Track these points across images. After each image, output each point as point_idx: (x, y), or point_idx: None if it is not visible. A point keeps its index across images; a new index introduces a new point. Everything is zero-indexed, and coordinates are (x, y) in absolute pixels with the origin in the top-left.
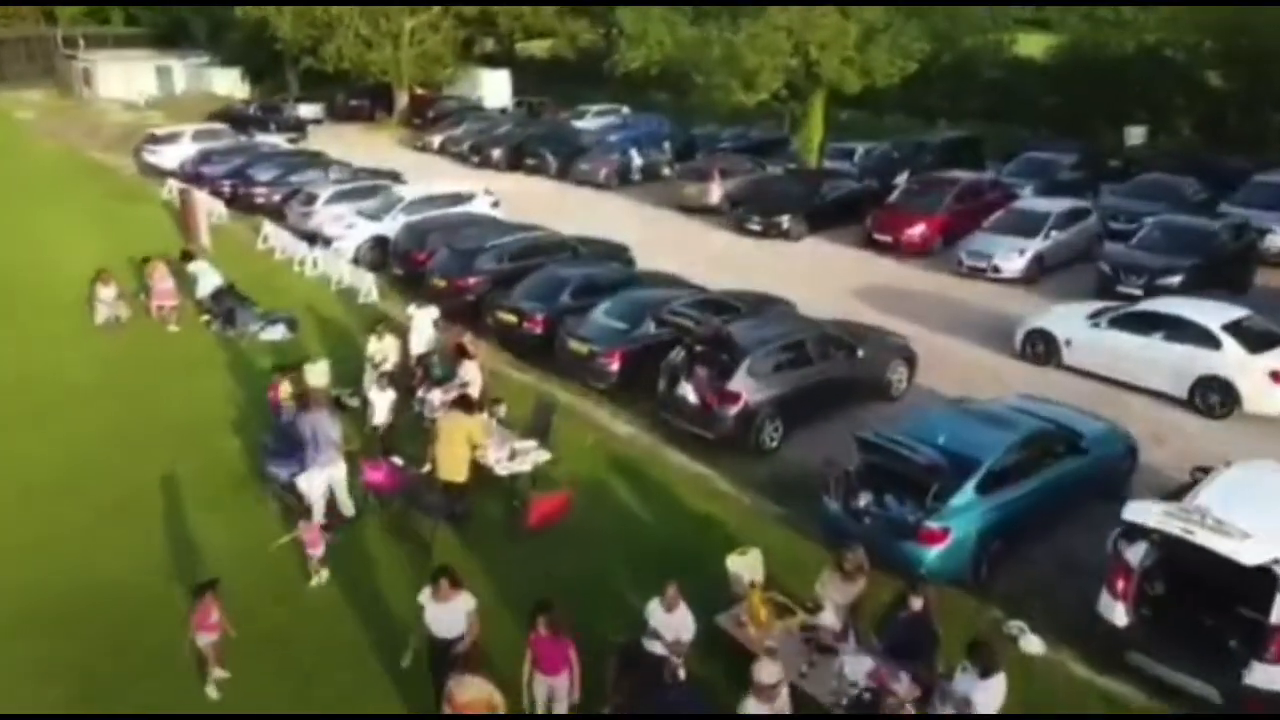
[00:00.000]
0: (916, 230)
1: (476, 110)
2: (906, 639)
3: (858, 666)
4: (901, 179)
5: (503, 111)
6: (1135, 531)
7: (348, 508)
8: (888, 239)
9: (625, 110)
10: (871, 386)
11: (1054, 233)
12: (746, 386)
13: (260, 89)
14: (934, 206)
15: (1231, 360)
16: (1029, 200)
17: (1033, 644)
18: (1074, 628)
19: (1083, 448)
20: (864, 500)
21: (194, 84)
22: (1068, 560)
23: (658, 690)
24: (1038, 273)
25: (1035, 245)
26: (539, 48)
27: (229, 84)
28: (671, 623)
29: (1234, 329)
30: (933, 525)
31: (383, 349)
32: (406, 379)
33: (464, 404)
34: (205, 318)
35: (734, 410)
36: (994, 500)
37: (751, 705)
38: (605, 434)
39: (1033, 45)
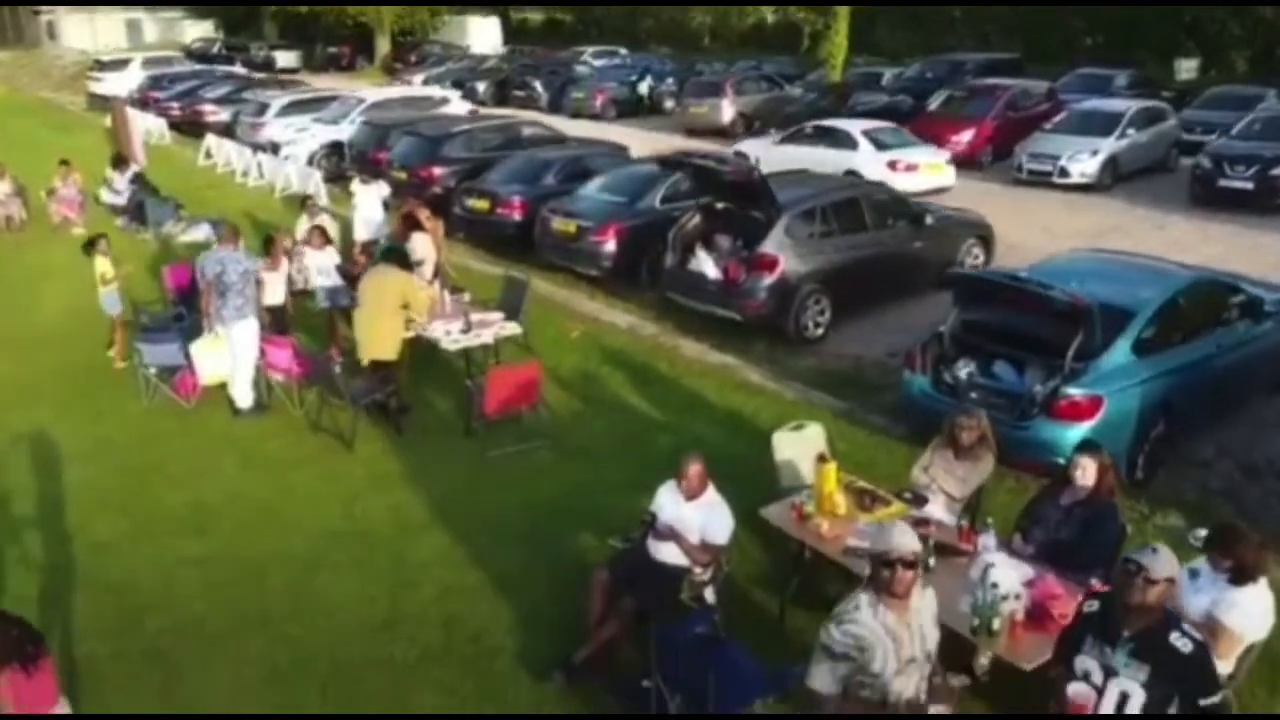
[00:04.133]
0: (963, 138)
1: (464, 55)
2: (1073, 537)
3: (1010, 572)
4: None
5: None
6: None
7: (244, 396)
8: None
9: (624, 52)
10: (941, 268)
11: (1130, 132)
12: (784, 250)
13: (236, 41)
14: (983, 113)
15: (862, 156)
16: (1098, 100)
17: None
18: None
19: (1264, 311)
20: (964, 370)
21: (165, 36)
22: (1245, 460)
23: (672, 617)
24: (1111, 179)
25: (1109, 146)
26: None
27: (202, 36)
28: (694, 517)
29: (869, 134)
30: (1077, 393)
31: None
32: (349, 267)
33: (398, 258)
34: (118, 221)
35: (768, 280)
36: (1155, 365)
37: (865, 613)
38: (597, 326)
39: None
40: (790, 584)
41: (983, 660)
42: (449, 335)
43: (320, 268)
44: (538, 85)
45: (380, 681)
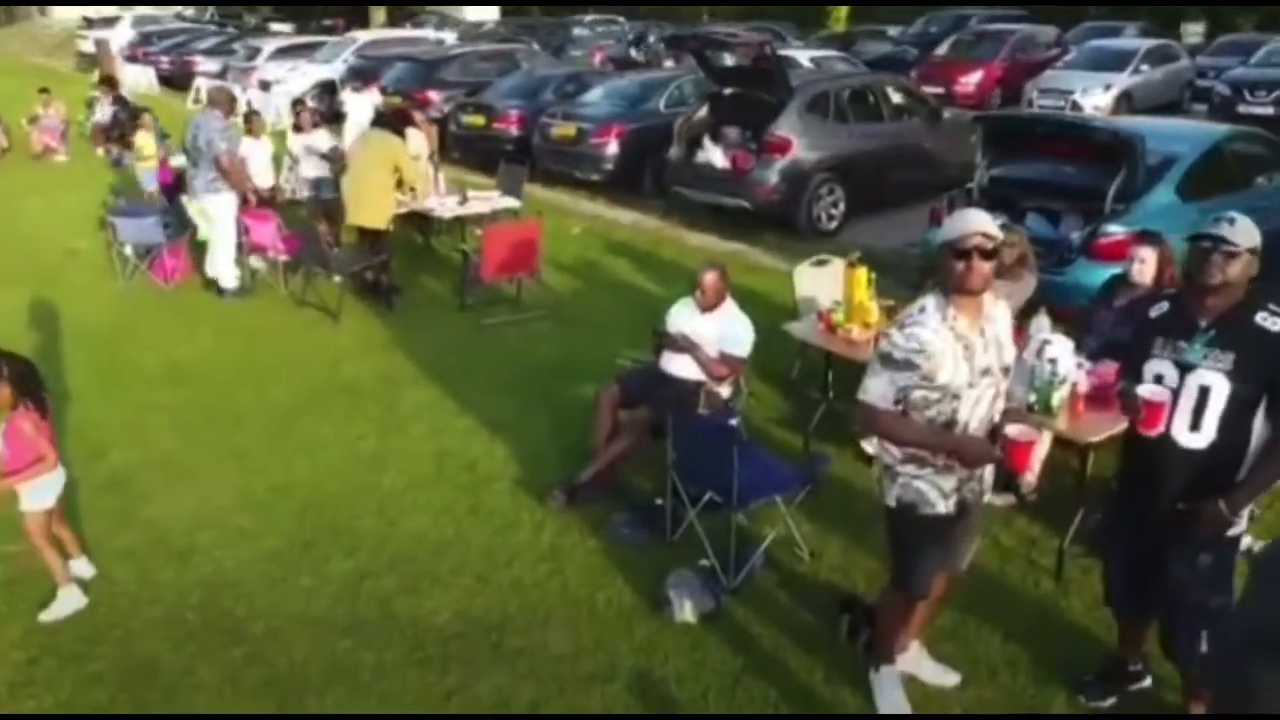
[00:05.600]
0: (971, 79)
1: (460, 22)
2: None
3: (1067, 353)
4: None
5: None
6: None
7: (227, 276)
8: (938, 90)
9: (622, 19)
10: (958, 168)
11: (1144, 68)
12: (797, 133)
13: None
14: (991, 55)
15: None
16: (1109, 39)
17: None
18: None
19: None
20: (996, 223)
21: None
22: None
23: (688, 419)
24: (1126, 114)
25: (1123, 80)
26: None
27: (194, 9)
28: (711, 329)
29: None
30: (1119, 231)
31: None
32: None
33: (394, 120)
34: (99, 150)
35: (780, 163)
36: (1200, 211)
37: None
38: (600, 222)
39: None
40: (814, 417)
41: (1029, 478)
42: (444, 206)
43: (309, 147)
44: (533, 44)
45: (365, 506)
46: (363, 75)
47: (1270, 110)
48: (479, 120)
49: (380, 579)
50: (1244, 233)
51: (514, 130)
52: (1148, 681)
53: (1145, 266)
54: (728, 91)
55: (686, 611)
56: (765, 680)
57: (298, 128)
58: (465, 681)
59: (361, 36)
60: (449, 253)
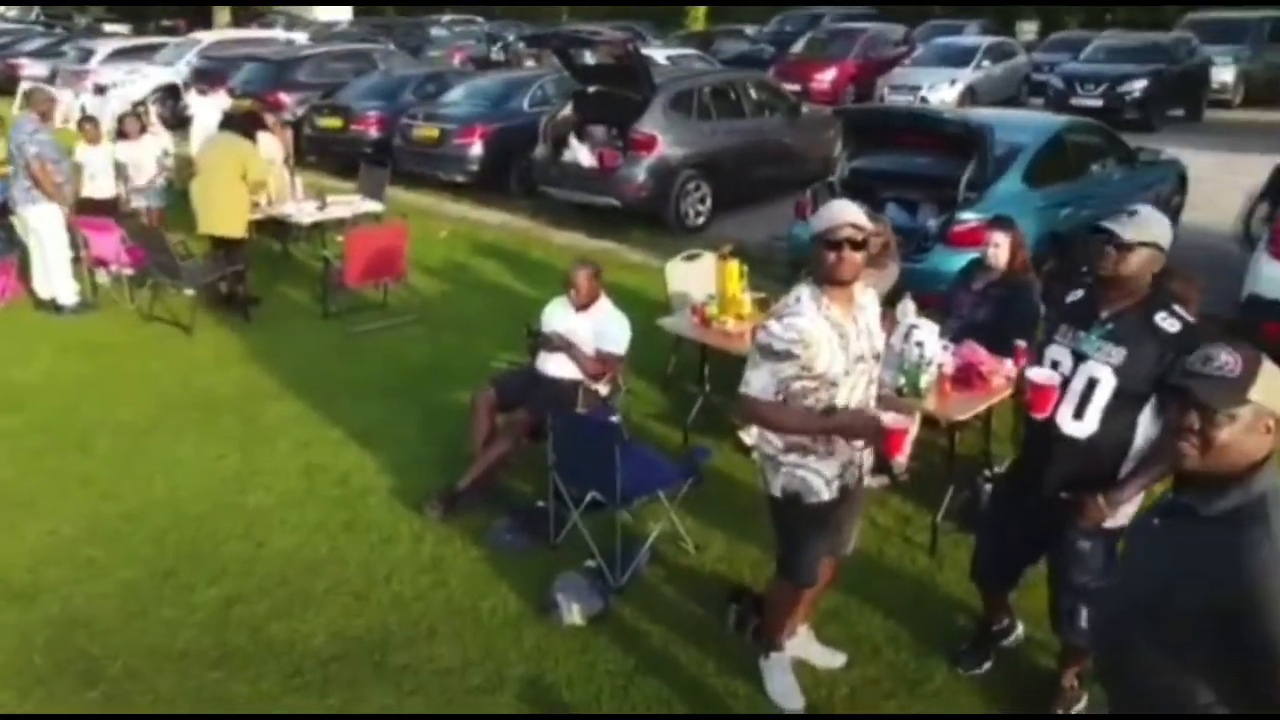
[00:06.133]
0: (826, 77)
1: (311, 23)
2: (991, 317)
3: (933, 335)
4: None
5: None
6: None
7: (64, 291)
8: (795, 87)
9: (480, 20)
10: (818, 162)
11: (985, 63)
12: (662, 130)
13: (58, 11)
14: (843, 53)
15: None
16: (953, 36)
17: None
18: None
19: (1132, 156)
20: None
21: None
22: None
23: (568, 419)
24: (971, 107)
25: (967, 76)
26: None
27: (17, 9)
28: (586, 326)
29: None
30: (972, 218)
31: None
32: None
33: (244, 123)
34: None
35: (647, 160)
36: (1045, 197)
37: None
38: (466, 224)
39: None
40: (692, 410)
41: (901, 459)
42: (302, 211)
43: (136, 163)
44: (391, 45)
45: (230, 528)
46: (208, 77)
47: (1099, 102)
48: (336, 122)
49: (250, 604)
50: (1138, 227)
51: (373, 132)
52: (1019, 630)
53: (1000, 251)
54: (592, 90)
55: (574, 614)
56: (657, 677)
57: (123, 134)
58: (348, 703)
59: (205, 37)
60: (309, 260)
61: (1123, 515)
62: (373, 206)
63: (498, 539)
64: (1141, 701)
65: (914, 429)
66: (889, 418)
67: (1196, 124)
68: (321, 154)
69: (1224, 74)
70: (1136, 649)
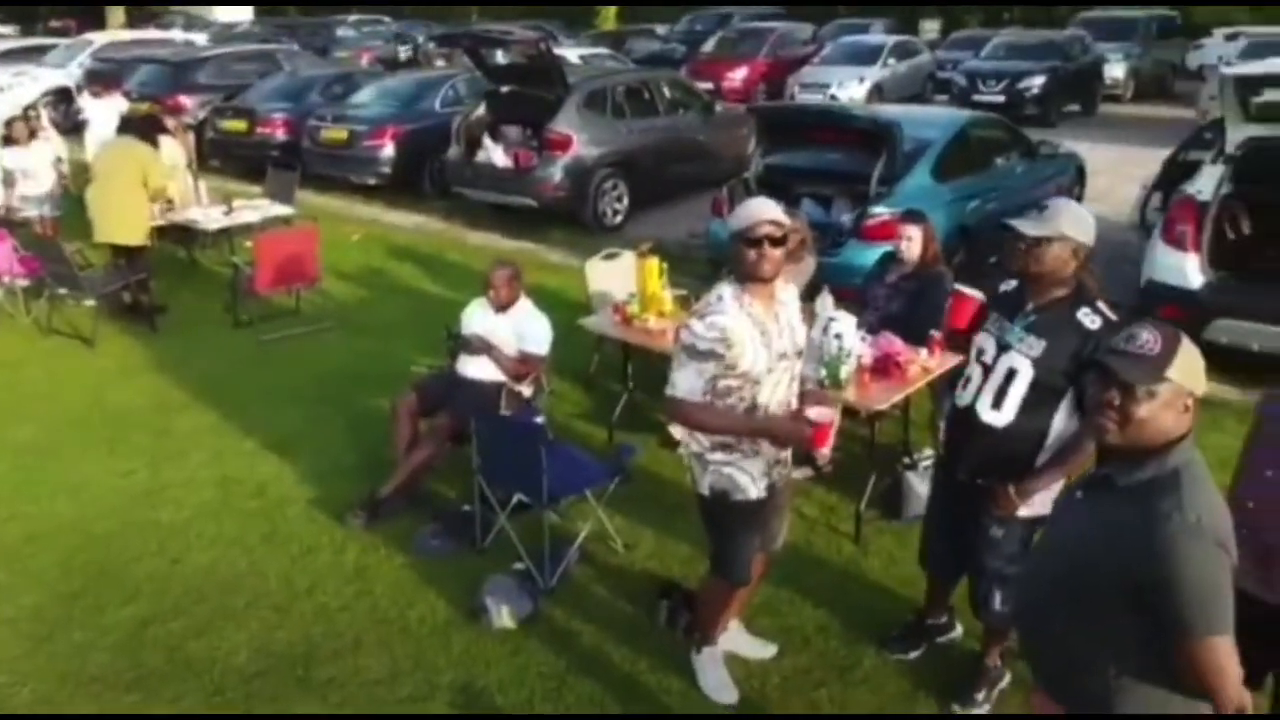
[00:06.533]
0: (737, 75)
1: (210, 23)
2: (904, 309)
3: (850, 327)
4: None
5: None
6: None
7: None
8: (708, 86)
9: (388, 20)
10: (732, 160)
11: (891, 61)
12: (577, 130)
13: None
14: (754, 52)
15: None
16: (859, 35)
17: None
18: None
19: (1034, 149)
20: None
21: None
22: None
23: (491, 421)
24: (877, 103)
25: (874, 73)
26: None
27: None
28: (507, 327)
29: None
30: (884, 212)
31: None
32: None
33: (143, 126)
34: None
35: (563, 160)
36: (953, 191)
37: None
38: (379, 227)
39: None
40: (617, 409)
41: (825, 450)
42: (207, 218)
43: (26, 170)
44: (294, 45)
45: (142, 546)
46: (103, 79)
47: (1001, 98)
48: (240, 125)
49: (166, 623)
50: (1044, 223)
51: (280, 135)
52: (956, 632)
53: (913, 244)
54: (505, 89)
55: (504, 617)
56: (590, 676)
57: (11, 140)
58: None
59: (98, 38)
60: (217, 267)
61: (1037, 504)
62: (282, 210)
63: (423, 545)
64: (1061, 673)
65: (837, 421)
66: (814, 412)
67: (1091, 118)
68: (226, 158)
69: (1116, 70)
70: (1055, 620)
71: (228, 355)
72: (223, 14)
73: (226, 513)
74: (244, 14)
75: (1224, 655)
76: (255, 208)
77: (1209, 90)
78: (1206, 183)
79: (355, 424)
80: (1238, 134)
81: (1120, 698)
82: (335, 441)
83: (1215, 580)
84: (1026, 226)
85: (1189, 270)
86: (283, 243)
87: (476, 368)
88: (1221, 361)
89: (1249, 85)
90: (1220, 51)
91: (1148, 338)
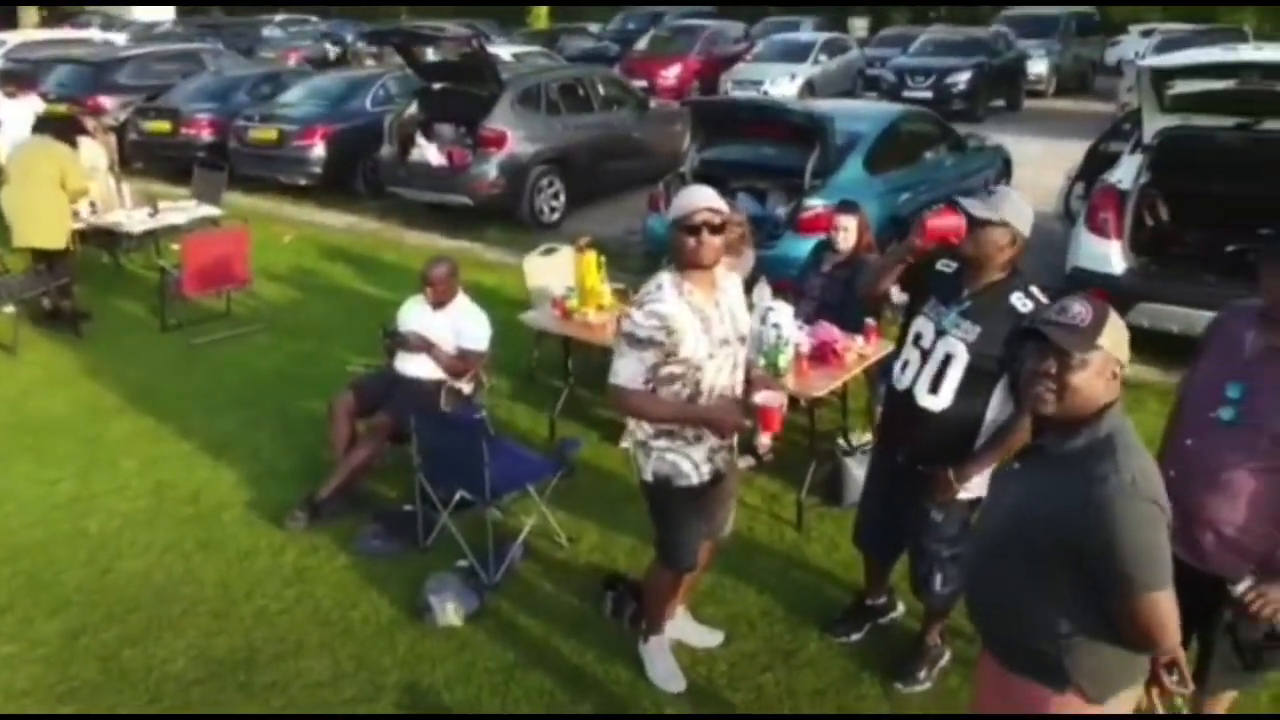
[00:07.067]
0: (671, 73)
1: (129, 23)
2: (839, 298)
3: (788, 316)
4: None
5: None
6: None
7: None
8: (642, 84)
9: (315, 19)
10: (668, 156)
11: (822, 58)
12: (512, 126)
13: None
14: (686, 50)
15: None
16: (790, 33)
17: None
18: None
19: (962, 142)
20: None
21: None
22: None
23: (432, 418)
24: (809, 99)
25: (805, 70)
26: None
27: None
28: (445, 324)
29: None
30: (818, 204)
31: None
32: None
33: (61, 128)
34: None
35: (498, 157)
36: (886, 182)
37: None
38: (312, 228)
39: None
40: (558, 404)
41: (764, 439)
42: (131, 220)
43: None
44: (218, 44)
45: (71, 556)
46: (17, 80)
47: (929, 94)
48: (164, 126)
49: (99, 633)
50: (990, 206)
51: (206, 135)
52: (898, 612)
53: (848, 234)
54: (437, 87)
55: (449, 614)
56: (538, 669)
57: None
58: None
59: (10, 38)
60: (144, 271)
61: (975, 486)
62: (209, 211)
63: (365, 546)
64: (1013, 638)
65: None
66: (761, 396)
67: (1016, 113)
68: (149, 160)
69: (1038, 66)
70: (1004, 588)
71: (157, 360)
72: (142, 14)
73: (160, 519)
74: (165, 14)
75: (1164, 609)
76: (182, 209)
77: (1127, 83)
78: (1126, 172)
79: (291, 427)
80: (1154, 124)
81: (1072, 656)
82: (271, 445)
83: (1153, 537)
84: (975, 207)
85: (1112, 257)
86: (211, 244)
87: (415, 366)
88: (1144, 344)
89: (1163, 76)
90: (1136, 47)
91: (1079, 309)
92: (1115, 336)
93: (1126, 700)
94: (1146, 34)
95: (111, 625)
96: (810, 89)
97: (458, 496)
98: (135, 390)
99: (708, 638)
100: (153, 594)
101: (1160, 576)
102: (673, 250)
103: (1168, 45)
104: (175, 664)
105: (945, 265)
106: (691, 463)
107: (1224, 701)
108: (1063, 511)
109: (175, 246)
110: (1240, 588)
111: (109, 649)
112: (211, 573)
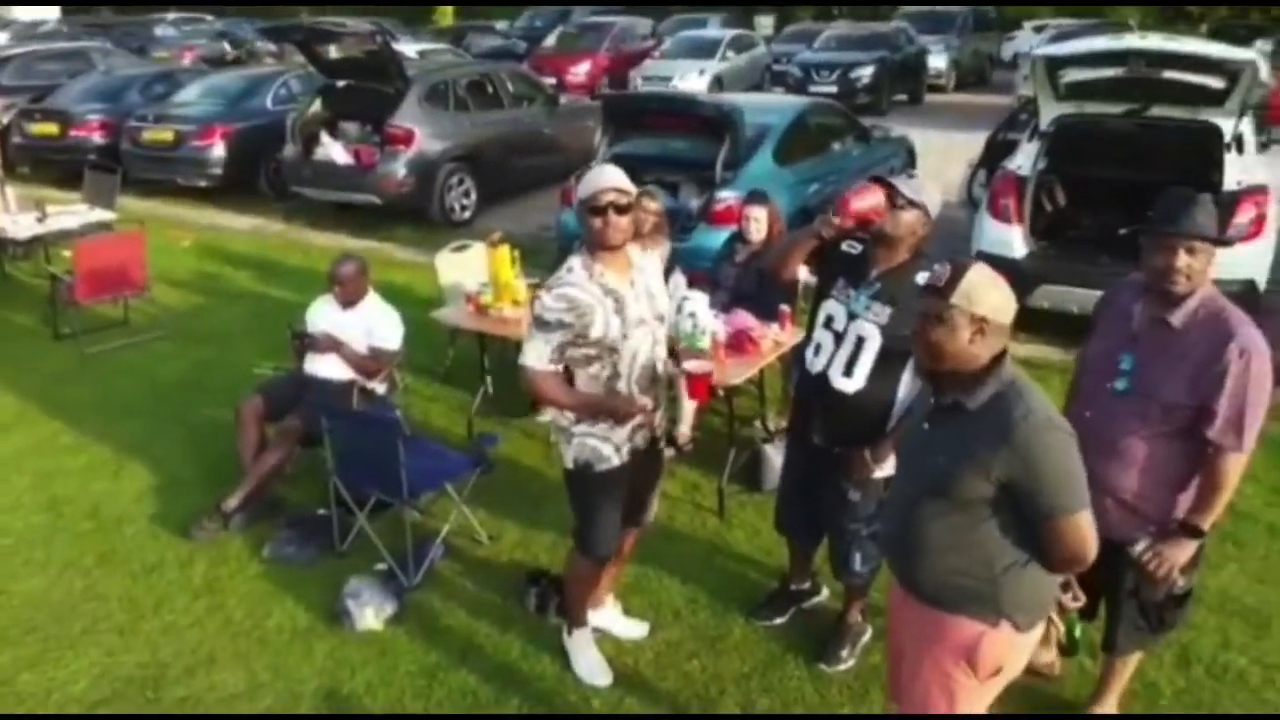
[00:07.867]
0: (580, 69)
1: (9, 22)
2: (754, 287)
3: (703, 306)
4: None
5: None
6: None
7: None
8: (551, 81)
9: (210, 18)
10: (578, 152)
11: (730, 54)
12: (419, 123)
13: None
14: (595, 46)
15: None
16: (697, 30)
17: None
18: None
19: (867, 134)
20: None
21: None
22: None
23: (344, 419)
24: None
25: (714, 66)
26: None
27: None
28: (356, 324)
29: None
30: (729, 196)
31: None
32: None
33: None
34: None
35: (406, 155)
36: (795, 174)
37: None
38: (213, 232)
39: None
40: (475, 400)
41: (684, 429)
42: (16, 225)
43: None
44: (107, 44)
45: None
46: None
47: (834, 88)
48: (51, 128)
49: None
50: (912, 189)
51: (97, 138)
52: (822, 595)
53: (760, 224)
54: (341, 85)
55: (368, 618)
56: (461, 669)
57: None
58: None
59: None
60: (33, 279)
61: (889, 465)
62: (103, 216)
63: (278, 553)
64: (945, 584)
65: (716, 374)
66: (691, 364)
67: (919, 106)
68: (35, 164)
69: (938, 61)
70: (930, 539)
71: (50, 370)
72: (23, 13)
73: (57, 536)
74: (49, 13)
75: (1087, 526)
76: (73, 214)
77: (1023, 73)
78: (1025, 159)
79: (195, 435)
80: (1049, 112)
81: (1007, 589)
82: (174, 454)
83: (1072, 463)
84: (903, 186)
85: (1014, 241)
86: (105, 250)
87: (326, 367)
88: (1045, 325)
89: (1056, 65)
90: (1031, 42)
91: (940, 271)
92: (973, 293)
93: (1039, 629)
94: (1040, 29)
95: (8, 648)
96: (719, 84)
97: (374, 498)
98: (26, 402)
99: (634, 629)
100: (51, 613)
101: (1081, 497)
102: (583, 231)
103: (1061, 39)
104: (77, 685)
105: (850, 246)
106: (612, 445)
107: (1132, 662)
108: (986, 454)
109: (66, 253)
110: (1138, 549)
111: (4, 673)
112: (114, 588)
